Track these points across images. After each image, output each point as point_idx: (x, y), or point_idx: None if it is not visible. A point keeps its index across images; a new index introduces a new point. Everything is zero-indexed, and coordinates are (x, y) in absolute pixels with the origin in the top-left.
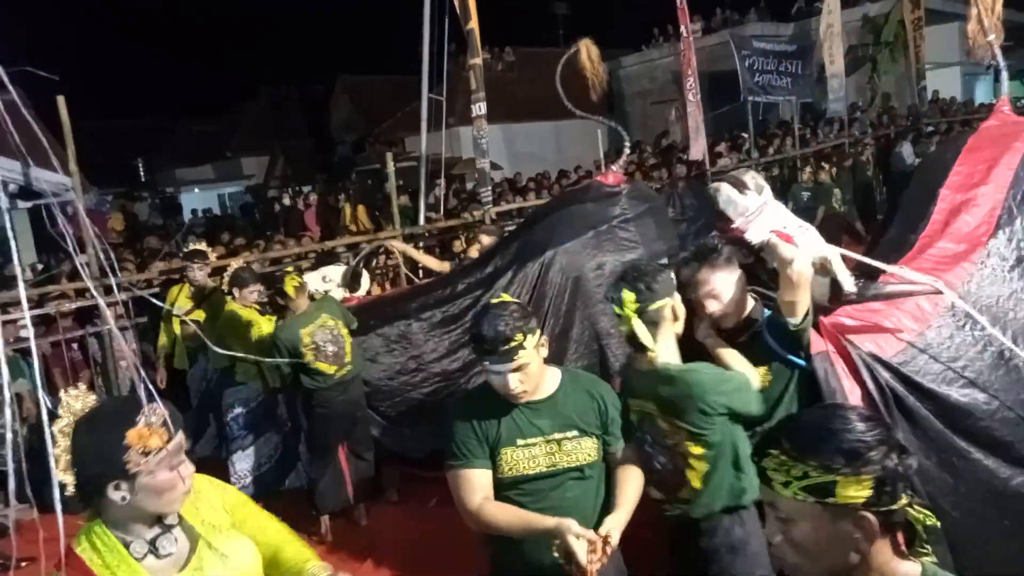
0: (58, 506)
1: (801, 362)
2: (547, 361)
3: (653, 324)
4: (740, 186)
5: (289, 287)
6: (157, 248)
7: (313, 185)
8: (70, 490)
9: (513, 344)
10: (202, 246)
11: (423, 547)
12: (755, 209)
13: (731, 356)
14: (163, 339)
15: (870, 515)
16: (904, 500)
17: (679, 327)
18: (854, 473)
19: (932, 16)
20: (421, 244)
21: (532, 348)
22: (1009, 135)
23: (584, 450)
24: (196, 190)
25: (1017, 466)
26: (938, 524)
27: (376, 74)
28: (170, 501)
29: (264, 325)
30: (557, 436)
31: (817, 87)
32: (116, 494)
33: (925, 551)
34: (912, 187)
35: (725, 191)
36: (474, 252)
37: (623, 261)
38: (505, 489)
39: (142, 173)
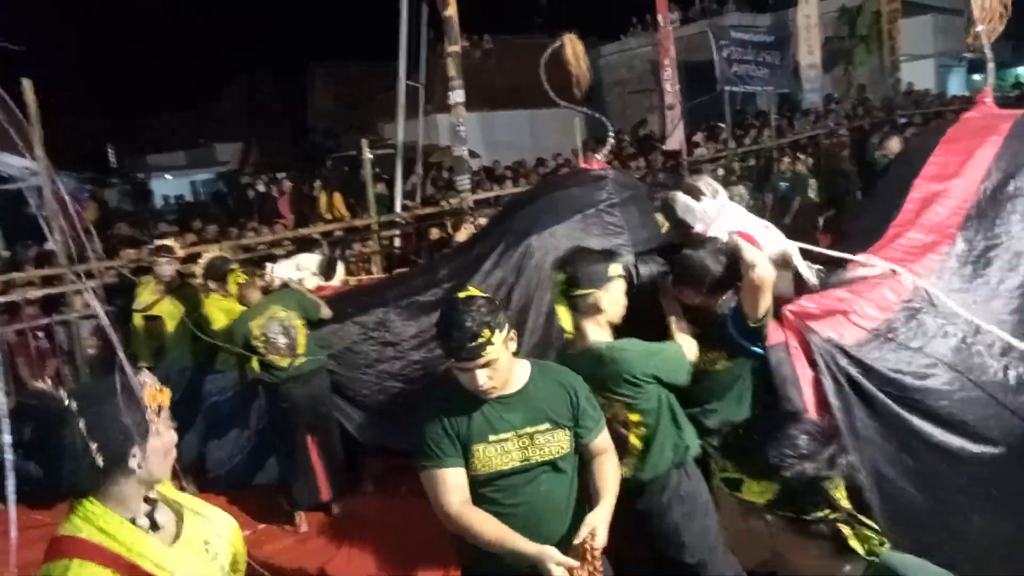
0: (11, 497)
1: (759, 350)
2: (537, 348)
3: (575, 309)
4: (695, 193)
5: (232, 285)
6: (127, 236)
7: (288, 172)
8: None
9: (480, 340)
10: (170, 241)
11: (399, 536)
12: (713, 213)
13: (679, 332)
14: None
15: (772, 517)
16: (826, 513)
17: (611, 316)
18: (757, 477)
19: (907, 8)
20: (397, 232)
21: (500, 343)
22: (988, 128)
23: (557, 443)
24: (168, 176)
25: (978, 444)
26: (875, 541)
27: (353, 61)
28: (169, 463)
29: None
30: (529, 430)
31: (794, 78)
32: (134, 461)
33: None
34: (889, 177)
35: (681, 200)
36: (462, 236)
37: (611, 246)
38: (479, 486)
39: (112, 159)
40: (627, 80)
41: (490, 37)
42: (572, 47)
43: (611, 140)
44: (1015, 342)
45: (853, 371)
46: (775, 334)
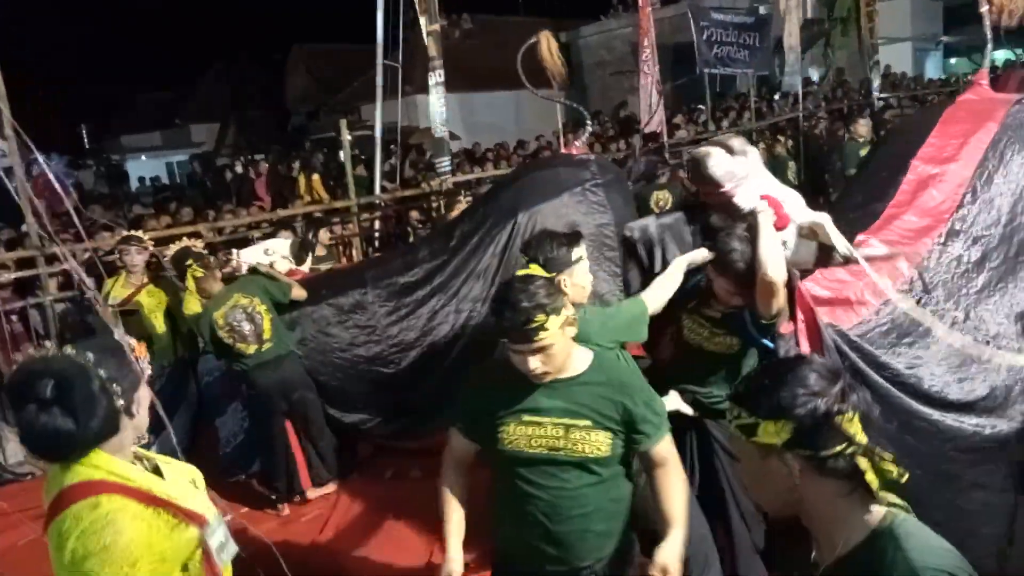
0: None
1: (770, 344)
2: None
3: None
4: (729, 150)
5: (189, 281)
6: (101, 218)
7: (266, 154)
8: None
9: (534, 324)
10: (138, 232)
11: (383, 520)
12: (743, 173)
13: (662, 281)
14: None
15: (790, 457)
16: (843, 447)
17: (575, 297)
18: (772, 418)
19: None
20: (378, 214)
21: (556, 329)
22: (984, 111)
23: (592, 442)
24: (143, 157)
25: (973, 424)
26: (893, 473)
27: (333, 43)
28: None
29: None
30: (567, 421)
31: (773, 60)
32: (134, 407)
33: (894, 500)
34: (881, 153)
35: (716, 154)
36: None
37: (595, 224)
38: (504, 465)
39: (86, 140)
40: (607, 61)
41: (469, 17)
42: (547, 43)
43: (588, 128)
44: (972, 347)
45: (852, 354)
46: (785, 324)
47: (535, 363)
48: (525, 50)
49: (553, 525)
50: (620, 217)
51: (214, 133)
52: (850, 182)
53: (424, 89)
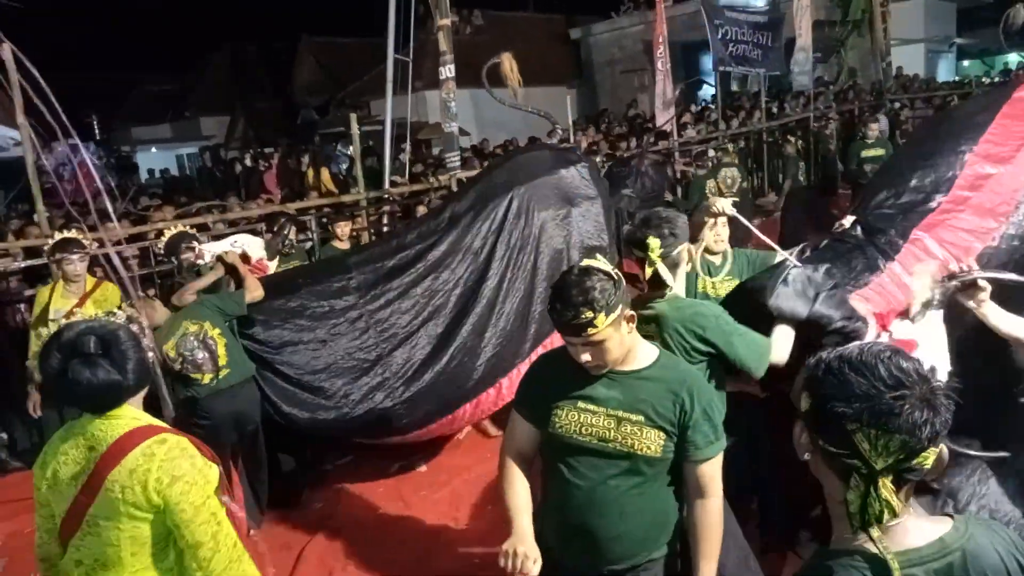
0: None
1: None
2: (524, 299)
3: (674, 266)
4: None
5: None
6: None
7: (275, 147)
8: (151, 357)
9: (582, 320)
10: (72, 233)
11: (386, 513)
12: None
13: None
14: (35, 347)
15: (802, 423)
16: (836, 451)
17: (689, 267)
18: (803, 386)
19: None
20: (387, 208)
21: (607, 326)
22: None
23: (643, 440)
24: (153, 149)
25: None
26: (879, 514)
27: (342, 35)
28: None
29: None
30: (620, 413)
31: (785, 60)
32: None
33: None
34: (941, 136)
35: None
36: None
37: (587, 199)
38: (552, 450)
39: (97, 131)
40: (618, 59)
41: (480, 13)
42: (508, 63)
43: (559, 131)
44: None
45: None
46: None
47: (583, 356)
48: (490, 66)
49: (588, 519)
50: (605, 201)
51: (223, 125)
52: (891, 164)
53: (434, 84)
